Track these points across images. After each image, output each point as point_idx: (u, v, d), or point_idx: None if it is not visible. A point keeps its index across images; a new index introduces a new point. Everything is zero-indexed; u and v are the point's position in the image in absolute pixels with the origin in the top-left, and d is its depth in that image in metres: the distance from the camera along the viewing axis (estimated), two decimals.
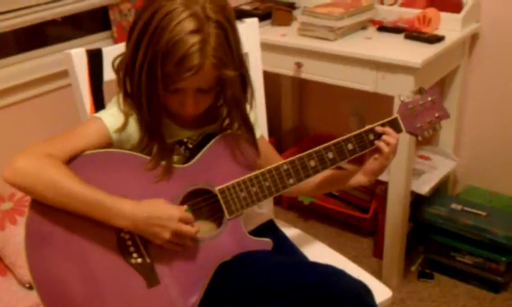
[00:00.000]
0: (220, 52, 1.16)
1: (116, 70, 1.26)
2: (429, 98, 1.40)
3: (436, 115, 1.40)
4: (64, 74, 1.61)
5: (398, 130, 1.37)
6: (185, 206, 1.24)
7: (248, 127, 1.33)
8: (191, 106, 1.22)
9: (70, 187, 1.12)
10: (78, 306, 1.17)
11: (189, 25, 1.12)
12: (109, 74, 1.44)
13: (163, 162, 1.24)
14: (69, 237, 1.17)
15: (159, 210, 1.19)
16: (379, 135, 1.35)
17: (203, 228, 1.28)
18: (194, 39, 1.12)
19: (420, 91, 1.40)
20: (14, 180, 1.12)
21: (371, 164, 1.38)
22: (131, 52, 1.18)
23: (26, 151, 1.14)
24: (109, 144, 1.23)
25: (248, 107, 1.32)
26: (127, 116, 1.24)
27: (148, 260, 1.23)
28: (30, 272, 1.15)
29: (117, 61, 1.26)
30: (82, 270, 1.18)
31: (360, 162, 1.41)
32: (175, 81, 1.16)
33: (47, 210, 1.15)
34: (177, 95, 1.21)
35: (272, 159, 1.42)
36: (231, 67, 1.19)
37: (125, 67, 1.22)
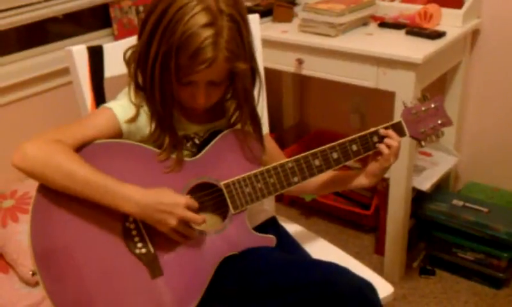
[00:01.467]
0: (233, 45, 1.17)
1: (128, 62, 1.27)
2: (433, 105, 1.40)
3: (439, 122, 1.41)
4: (65, 72, 1.62)
5: (402, 134, 1.38)
6: (189, 196, 1.25)
7: (256, 121, 1.34)
8: (203, 98, 1.23)
9: (78, 171, 1.13)
10: (81, 292, 1.17)
11: (203, 18, 1.13)
12: (110, 71, 1.44)
13: (173, 156, 1.26)
14: (74, 223, 1.17)
15: (166, 197, 1.19)
16: (382, 138, 1.36)
17: (207, 222, 1.28)
18: (207, 32, 1.13)
19: (424, 98, 1.41)
20: (23, 165, 1.13)
21: (372, 165, 1.38)
22: (144, 44, 1.19)
23: (35, 138, 1.15)
24: (119, 134, 1.24)
25: (256, 100, 1.33)
26: (138, 108, 1.25)
27: (152, 251, 1.23)
28: (33, 256, 1.15)
29: (128, 53, 1.27)
30: (86, 258, 1.18)
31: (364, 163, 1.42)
32: (188, 74, 1.17)
33: (53, 195, 1.15)
34: (189, 87, 1.22)
35: (277, 157, 1.42)
36: (243, 60, 1.21)
37: (137, 59, 1.23)
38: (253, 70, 1.28)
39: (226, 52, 1.16)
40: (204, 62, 1.14)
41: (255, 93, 1.31)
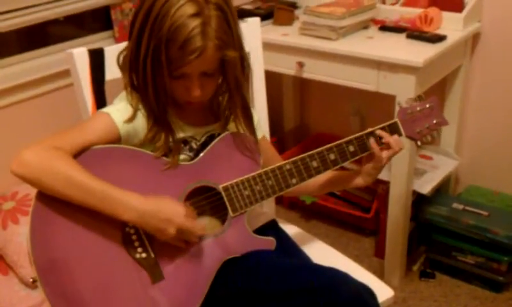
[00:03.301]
0: (221, 34, 1.18)
1: (121, 65, 1.28)
2: (428, 105, 1.42)
3: (434, 121, 1.42)
4: (66, 73, 1.62)
5: (397, 134, 1.39)
6: (188, 204, 1.25)
7: (247, 111, 1.35)
8: (197, 90, 1.23)
9: (77, 179, 1.13)
10: (82, 299, 1.17)
11: (189, 9, 1.15)
12: (111, 73, 1.44)
13: (168, 159, 1.26)
14: (74, 230, 1.17)
15: (166, 205, 1.19)
16: (379, 138, 1.37)
17: (207, 226, 1.28)
18: (195, 22, 1.14)
19: (419, 98, 1.43)
20: (21, 172, 1.12)
21: (367, 166, 1.39)
22: (134, 43, 1.21)
23: (33, 145, 1.15)
24: (117, 139, 1.24)
25: (248, 91, 1.34)
26: (135, 110, 1.25)
27: (152, 255, 1.23)
28: (34, 265, 1.14)
29: (122, 56, 1.28)
30: (87, 264, 1.18)
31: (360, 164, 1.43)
32: (180, 66, 1.18)
33: (52, 202, 1.15)
34: (182, 81, 1.22)
35: (274, 160, 1.43)
36: (232, 48, 1.22)
37: (130, 59, 1.24)
38: (243, 58, 1.28)
39: (216, 40, 1.17)
40: (194, 52, 1.15)
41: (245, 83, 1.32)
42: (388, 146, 1.37)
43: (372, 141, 1.36)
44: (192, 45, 1.15)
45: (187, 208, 1.23)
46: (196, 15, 1.15)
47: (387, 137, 1.36)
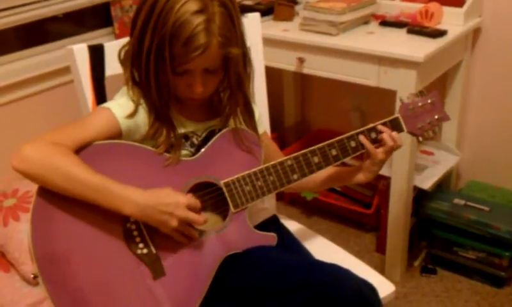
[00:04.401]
0: (225, 31, 1.18)
1: (123, 60, 1.27)
2: (429, 101, 1.41)
3: (436, 117, 1.42)
4: (66, 70, 1.62)
5: (399, 129, 1.38)
6: (190, 195, 1.25)
7: (248, 108, 1.35)
8: (199, 86, 1.23)
9: (77, 174, 1.13)
10: (84, 295, 1.17)
11: (193, 5, 1.14)
12: (111, 69, 1.44)
13: (169, 155, 1.26)
14: (75, 226, 1.17)
15: (167, 197, 1.19)
16: (381, 134, 1.36)
17: (208, 222, 1.28)
18: (199, 19, 1.14)
19: (420, 93, 1.42)
20: (22, 167, 1.12)
21: (367, 162, 1.39)
22: (137, 39, 1.20)
23: (34, 140, 1.15)
24: (118, 134, 1.24)
25: (249, 87, 1.34)
26: (136, 105, 1.25)
27: (154, 251, 1.23)
28: (35, 261, 1.14)
29: (123, 51, 1.28)
30: (88, 260, 1.18)
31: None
32: (183, 62, 1.18)
33: (53, 198, 1.15)
34: (185, 77, 1.22)
35: (275, 156, 1.43)
36: (235, 45, 1.21)
37: (132, 55, 1.24)
38: (245, 55, 1.28)
39: (220, 38, 1.17)
40: (198, 49, 1.15)
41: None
42: (383, 142, 1.36)
43: (362, 137, 1.35)
44: (196, 42, 1.15)
45: (191, 198, 1.23)
46: (200, 11, 1.15)
47: (386, 138, 1.35)
